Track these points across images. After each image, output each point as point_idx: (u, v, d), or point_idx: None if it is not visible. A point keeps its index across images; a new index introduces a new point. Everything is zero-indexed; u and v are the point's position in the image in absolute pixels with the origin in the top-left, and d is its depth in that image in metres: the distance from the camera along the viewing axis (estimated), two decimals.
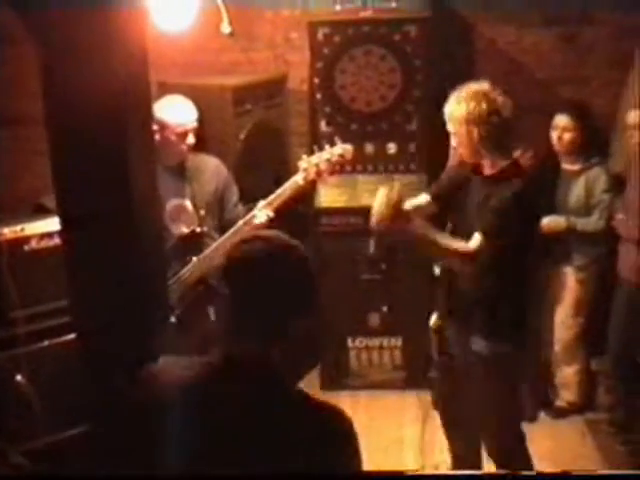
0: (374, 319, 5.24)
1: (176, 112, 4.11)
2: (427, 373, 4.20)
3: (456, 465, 4.03)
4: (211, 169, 4.25)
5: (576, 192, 4.77)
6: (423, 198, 3.90)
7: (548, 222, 4.73)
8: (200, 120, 4.26)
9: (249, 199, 4.16)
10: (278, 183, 4.05)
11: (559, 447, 4.67)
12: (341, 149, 3.98)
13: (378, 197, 3.57)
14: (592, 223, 4.73)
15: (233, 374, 2.05)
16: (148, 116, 2.62)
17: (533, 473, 3.64)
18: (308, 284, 2.11)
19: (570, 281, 4.89)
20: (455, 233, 3.70)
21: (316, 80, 5.13)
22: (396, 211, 3.54)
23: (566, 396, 5.06)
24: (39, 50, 2.31)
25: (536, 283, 4.93)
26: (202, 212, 4.14)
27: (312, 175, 3.93)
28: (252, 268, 2.04)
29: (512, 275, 3.61)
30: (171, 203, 4.09)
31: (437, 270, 3.97)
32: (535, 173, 4.71)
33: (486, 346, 3.60)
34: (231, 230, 4.00)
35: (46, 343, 4.06)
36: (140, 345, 2.48)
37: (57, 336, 4.02)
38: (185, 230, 4.12)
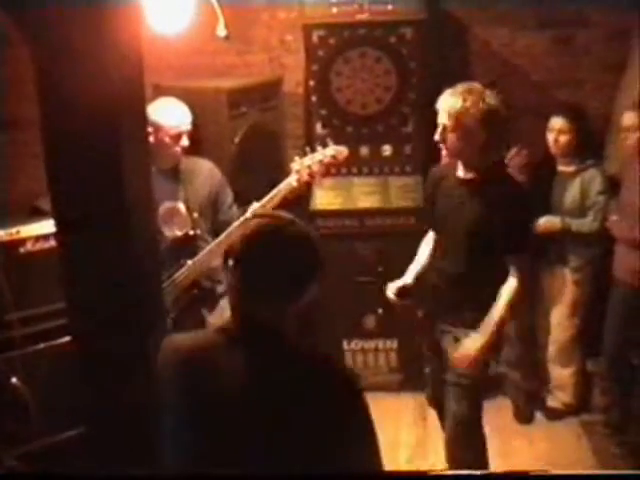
0: (370, 321, 5.24)
1: (170, 114, 4.12)
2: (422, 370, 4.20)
3: None
4: (205, 172, 4.26)
5: (571, 193, 4.78)
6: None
7: (543, 223, 4.74)
8: (195, 123, 4.26)
9: (244, 202, 4.16)
10: (273, 186, 4.05)
11: (554, 448, 4.68)
12: (333, 150, 3.98)
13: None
14: (587, 224, 4.74)
15: (250, 335, 2.23)
16: (142, 119, 2.62)
17: (534, 473, 3.64)
18: (315, 254, 2.28)
19: (565, 282, 4.90)
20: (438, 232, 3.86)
21: (311, 83, 5.13)
22: None
23: (562, 397, 5.07)
24: (33, 53, 2.31)
25: (531, 284, 4.97)
26: (195, 215, 4.15)
27: (305, 177, 3.93)
28: (268, 240, 2.23)
29: (498, 273, 3.65)
30: (164, 206, 4.10)
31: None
32: (527, 175, 4.73)
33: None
34: (224, 233, 4.00)
35: (41, 345, 4.05)
36: (135, 348, 2.48)
37: (52, 338, 4.01)
38: (178, 233, 4.12)
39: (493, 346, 3.70)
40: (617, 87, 5.08)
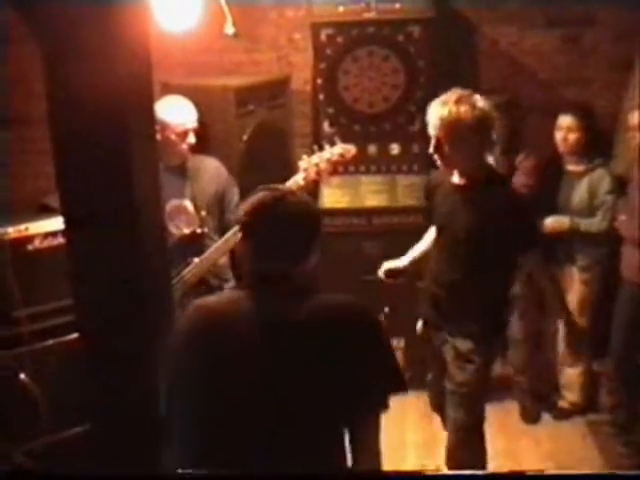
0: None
1: (176, 112, 4.13)
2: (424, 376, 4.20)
3: None
4: (211, 171, 4.27)
5: (580, 193, 4.78)
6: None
7: (551, 222, 4.74)
8: (203, 121, 4.27)
9: None
10: (281, 184, 4.05)
11: (561, 448, 4.68)
12: (341, 149, 3.98)
13: None
14: (595, 224, 4.73)
15: (266, 290, 2.41)
16: (151, 116, 2.62)
17: (535, 473, 3.64)
18: (314, 219, 2.51)
19: (573, 282, 4.89)
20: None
21: (319, 81, 5.14)
22: None
23: (568, 397, 5.06)
24: (42, 50, 2.32)
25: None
26: (203, 213, 4.16)
27: (312, 175, 3.93)
28: (270, 208, 2.40)
29: (495, 281, 3.65)
30: (172, 203, 4.11)
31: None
32: (536, 178, 4.72)
33: (470, 350, 3.66)
34: (231, 231, 4.00)
35: (50, 342, 4.06)
36: (142, 345, 2.49)
37: (60, 335, 4.01)
38: (186, 231, 4.13)
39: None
40: (625, 86, 5.07)
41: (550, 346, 5.05)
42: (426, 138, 4.97)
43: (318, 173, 3.94)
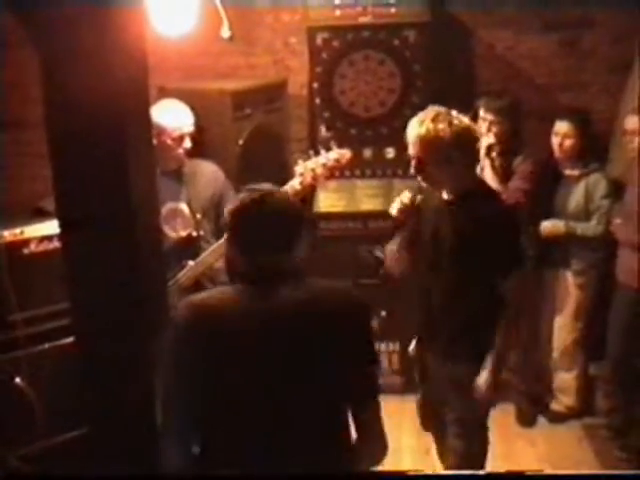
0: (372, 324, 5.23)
1: (172, 116, 4.13)
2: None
3: None
4: (208, 174, 4.27)
5: (576, 197, 4.78)
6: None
7: (548, 227, 4.75)
8: (199, 124, 4.27)
9: None
10: (278, 188, 4.05)
11: (557, 452, 4.68)
12: (337, 154, 3.98)
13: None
14: (591, 228, 4.74)
15: (265, 279, 2.48)
16: (147, 120, 2.63)
17: (534, 473, 3.64)
18: (295, 212, 2.58)
19: (569, 286, 4.90)
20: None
21: (315, 85, 5.14)
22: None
23: (564, 401, 5.06)
24: (39, 54, 2.32)
25: (535, 288, 4.97)
26: (199, 216, 4.15)
27: (309, 180, 3.93)
28: (263, 203, 2.49)
29: (488, 300, 3.54)
30: (168, 206, 4.10)
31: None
32: (532, 182, 4.71)
33: (465, 374, 3.58)
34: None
35: (45, 346, 4.05)
36: (138, 348, 2.49)
37: (56, 339, 4.01)
38: (182, 234, 4.13)
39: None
40: (622, 90, 5.08)
41: (546, 349, 5.05)
42: None
43: (314, 178, 3.95)
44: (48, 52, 2.30)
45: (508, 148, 4.69)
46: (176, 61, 5.23)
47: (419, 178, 3.56)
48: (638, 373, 4.57)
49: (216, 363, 2.39)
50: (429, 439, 4.49)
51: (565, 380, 5.05)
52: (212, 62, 5.47)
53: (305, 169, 3.93)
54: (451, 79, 5.30)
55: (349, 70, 5.08)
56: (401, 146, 5.05)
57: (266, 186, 2.61)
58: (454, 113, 3.46)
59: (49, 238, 4.04)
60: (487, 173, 4.64)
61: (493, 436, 3.86)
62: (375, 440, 2.55)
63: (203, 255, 4.06)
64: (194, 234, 4.14)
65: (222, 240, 3.99)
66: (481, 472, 3.56)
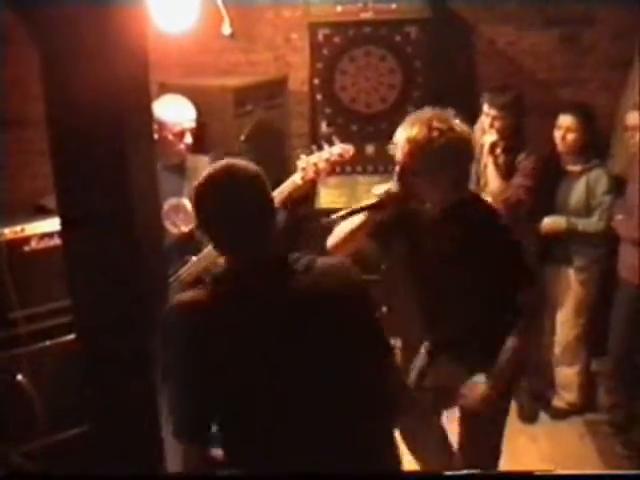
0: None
1: (173, 111, 4.12)
2: None
3: None
4: None
5: (577, 193, 4.77)
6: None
7: (549, 222, 4.74)
8: (201, 121, 4.26)
9: None
10: (278, 183, 4.05)
11: (558, 448, 4.68)
12: (340, 149, 3.97)
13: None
14: (593, 224, 4.73)
15: (258, 266, 2.37)
16: (148, 117, 2.63)
17: (533, 473, 3.63)
18: (264, 179, 2.52)
19: (571, 282, 4.89)
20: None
21: (316, 81, 5.13)
22: None
23: (566, 397, 5.06)
24: (40, 52, 2.31)
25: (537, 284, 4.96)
26: None
27: (311, 175, 3.93)
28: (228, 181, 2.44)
29: (499, 306, 3.28)
30: (170, 202, 4.09)
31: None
32: (535, 179, 4.70)
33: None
34: None
35: (47, 343, 4.06)
36: (139, 345, 2.48)
37: (57, 336, 4.02)
38: (184, 229, 4.12)
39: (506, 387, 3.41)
40: (623, 86, 5.07)
41: (548, 345, 5.05)
42: None
43: (316, 173, 3.94)
44: (49, 49, 2.30)
45: (511, 145, 4.68)
46: (177, 58, 5.23)
47: (398, 188, 3.28)
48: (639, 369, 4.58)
49: (231, 362, 2.30)
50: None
51: (567, 376, 5.05)
52: (213, 59, 5.47)
53: (307, 164, 3.92)
54: (452, 75, 5.30)
55: (350, 66, 5.07)
56: None
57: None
58: (452, 117, 3.17)
59: (50, 235, 4.04)
60: (490, 170, 4.64)
61: None
62: (396, 387, 2.59)
63: (205, 251, 4.05)
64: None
65: None
66: (480, 472, 3.53)
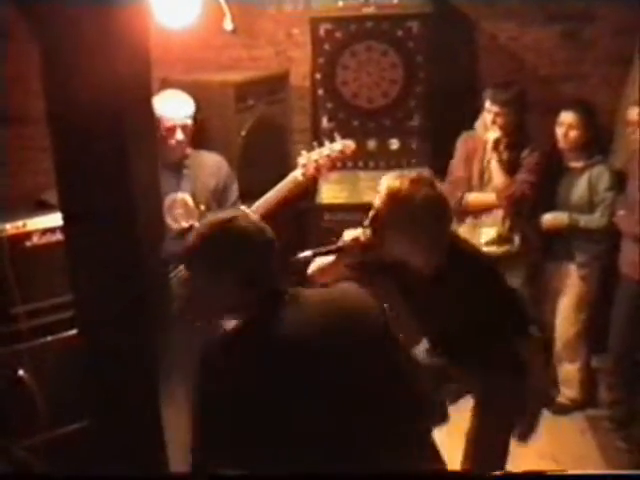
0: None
1: (166, 107, 4.09)
2: None
3: None
4: (212, 165, 4.23)
5: (579, 189, 4.77)
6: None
7: (550, 219, 4.74)
8: (202, 116, 4.25)
9: (250, 195, 4.15)
10: (280, 179, 4.04)
11: (559, 443, 4.68)
12: (341, 145, 3.97)
13: None
14: (595, 220, 4.73)
15: (271, 305, 2.42)
16: (149, 112, 2.63)
17: (535, 473, 3.63)
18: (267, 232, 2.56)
19: (572, 278, 4.89)
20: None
21: (318, 76, 5.13)
22: None
23: (567, 392, 5.07)
24: (42, 47, 2.31)
25: (538, 280, 4.97)
26: (202, 207, 4.13)
27: (311, 171, 3.93)
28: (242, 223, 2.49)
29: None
30: (171, 197, 4.08)
31: None
32: (538, 175, 4.69)
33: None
34: None
35: (48, 338, 4.06)
36: (141, 340, 2.49)
37: (59, 331, 4.02)
38: (184, 224, 4.11)
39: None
40: (624, 82, 5.06)
41: (549, 341, 5.05)
42: (425, 133, 5.02)
43: (317, 169, 3.94)
44: (50, 45, 2.30)
45: (514, 141, 4.68)
46: (179, 54, 5.22)
47: (367, 235, 3.23)
48: None
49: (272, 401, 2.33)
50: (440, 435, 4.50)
51: (568, 372, 5.05)
52: (215, 54, 5.47)
53: (308, 160, 3.92)
54: (454, 70, 5.29)
55: (352, 61, 5.07)
56: (404, 137, 5.10)
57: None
58: (434, 181, 3.15)
59: (52, 230, 4.04)
60: (494, 166, 4.64)
61: None
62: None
63: None
64: (196, 225, 4.11)
65: None
66: (480, 472, 3.54)
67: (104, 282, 2.47)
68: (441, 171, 4.76)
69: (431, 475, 2.46)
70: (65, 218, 2.52)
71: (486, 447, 3.55)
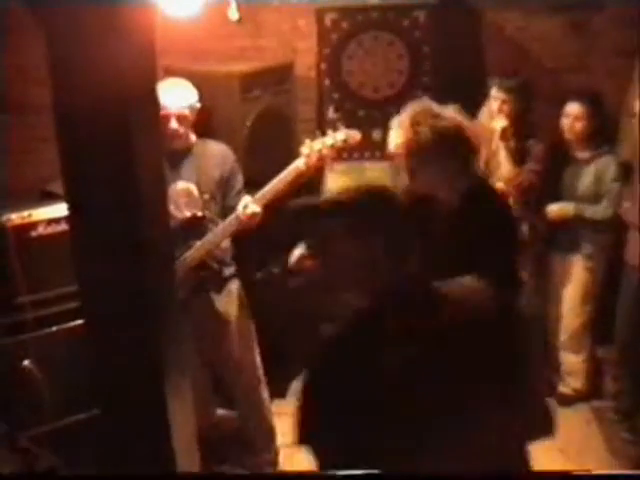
0: None
1: (162, 95, 4.06)
2: None
3: None
4: (217, 155, 4.23)
5: (586, 180, 4.77)
6: None
7: (556, 209, 4.73)
8: (207, 106, 4.24)
9: (255, 185, 4.15)
10: (283, 169, 4.04)
11: (564, 434, 4.66)
12: (344, 135, 3.96)
13: None
14: (601, 211, 4.72)
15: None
16: (154, 103, 2.62)
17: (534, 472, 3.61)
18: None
19: (578, 269, 4.89)
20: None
21: (323, 66, 5.12)
22: None
23: (572, 383, 5.06)
24: (47, 37, 2.31)
25: (544, 271, 4.97)
26: (206, 197, 4.13)
27: (314, 160, 3.92)
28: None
29: None
30: (176, 187, 4.08)
31: None
32: (543, 165, 4.68)
33: None
34: (232, 215, 4.01)
35: (54, 328, 4.07)
36: (147, 330, 2.49)
37: (64, 321, 4.03)
38: (187, 214, 4.11)
39: None
40: (630, 72, 5.04)
41: (554, 332, 5.05)
42: None
43: (320, 159, 3.93)
44: (55, 35, 2.29)
45: (520, 130, 4.67)
46: (184, 44, 5.20)
47: (413, 184, 3.19)
48: None
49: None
50: None
51: (573, 363, 5.05)
52: (220, 45, 5.45)
53: (311, 149, 3.91)
54: (460, 60, 5.27)
55: (358, 51, 5.06)
56: None
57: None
58: (437, 109, 3.10)
59: (57, 221, 4.04)
60: (501, 155, 4.63)
61: None
62: None
63: (208, 236, 4.05)
64: (199, 214, 4.12)
65: (226, 221, 4.00)
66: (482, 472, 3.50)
67: (109, 272, 2.46)
68: None
69: (432, 476, 2.36)
70: (70, 207, 2.52)
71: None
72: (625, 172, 4.71)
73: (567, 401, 5.04)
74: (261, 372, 4.39)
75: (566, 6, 5.24)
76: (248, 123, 4.72)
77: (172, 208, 4.02)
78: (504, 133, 4.62)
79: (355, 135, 4.00)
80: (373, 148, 5.12)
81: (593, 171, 4.74)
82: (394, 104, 5.04)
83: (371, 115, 5.11)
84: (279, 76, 5.17)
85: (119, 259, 2.44)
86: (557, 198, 4.77)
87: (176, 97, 4.04)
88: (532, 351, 2.42)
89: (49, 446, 3.78)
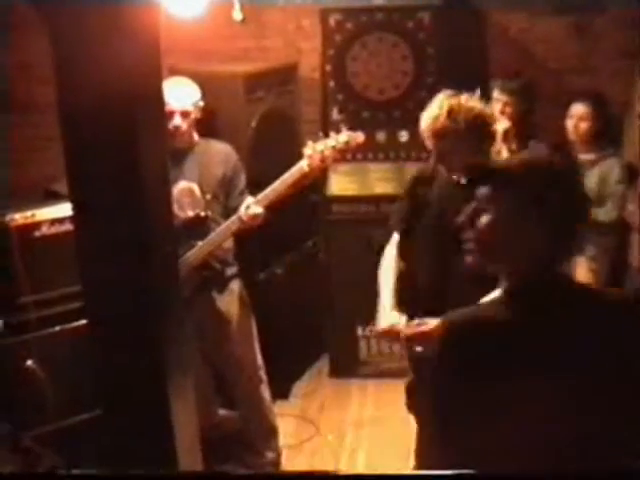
0: None
1: (166, 92, 4.05)
2: None
3: None
4: (220, 155, 4.23)
5: (590, 182, 4.75)
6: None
7: None
8: (211, 107, 4.24)
9: (259, 185, 4.15)
10: (286, 170, 4.04)
11: None
12: (347, 136, 3.96)
13: None
14: (605, 213, 4.72)
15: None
16: (159, 102, 2.62)
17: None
18: None
19: (582, 271, 4.88)
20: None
21: (328, 67, 5.12)
22: None
23: None
24: (51, 36, 2.31)
25: None
26: (208, 197, 4.13)
27: (317, 162, 3.92)
28: None
29: None
30: (178, 186, 4.09)
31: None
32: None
33: None
34: (234, 216, 4.01)
35: (57, 328, 4.07)
36: (150, 330, 2.49)
37: (68, 321, 4.03)
38: (190, 213, 4.11)
39: None
40: (634, 74, 5.04)
41: None
42: None
43: (323, 160, 3.93)
44: (61, 34, 2.30)
45: (522, 131, 4.67)
46: (188, 44, 5.21)
47: (439, 166, 3.51)
48: None
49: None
50: None
51: None
52: (224, 45, 5.46)
53: (313, 151, 3.91)
54: (464, 62, 5.27)
55: (362, 52, 5.06)
56: (414, 129, 5.07)
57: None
58: (466, 99, 3.38)
59: (60, 221, 4.04)
60: (503, 157, 4.63)
61: None
62: None
63: (211, 236, 4.05)
64: (202, 214, 4.12)
65: (229, 221, 4.00)
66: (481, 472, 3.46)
67: (113, 272, 2.46)
68: None
69: (432, 475, 2.21)
70: (75, 208, 2.52)
71: None
72: (629, 174, 4.70)
73: None
74: (262, 372, 4.39)
75: (570, 8, 5.24)
76: (253, 124, 4.72)
77: (175, 207, 4.02)
78: (506, 135, 4.62)
79: (357, 137, 3.99)
80: (377, 149, 5.13)
81: (597, 173, 4.74)
82: (398, 106, 5.07)
83: (375, 116, 5.11)
84: (283, 77, 5.18)
85: (123, 259, 2.44)
86: None
87: (180, 94, 4.05)
88: None
89: (52, 446, 3.79)
